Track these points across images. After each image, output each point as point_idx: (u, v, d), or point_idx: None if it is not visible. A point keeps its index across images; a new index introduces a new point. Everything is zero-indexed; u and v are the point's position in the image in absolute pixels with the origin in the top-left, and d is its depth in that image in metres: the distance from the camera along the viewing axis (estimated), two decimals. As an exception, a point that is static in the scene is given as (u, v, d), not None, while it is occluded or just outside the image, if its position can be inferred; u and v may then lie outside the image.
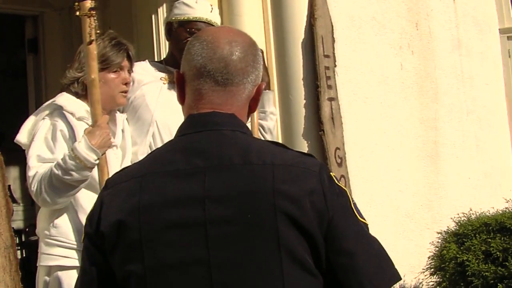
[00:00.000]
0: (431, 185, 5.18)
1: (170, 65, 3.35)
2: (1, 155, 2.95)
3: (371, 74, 4.90)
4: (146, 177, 1.74)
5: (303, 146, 3.79)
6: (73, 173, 2.82)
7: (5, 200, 2.90)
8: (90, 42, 2.95)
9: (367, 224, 1.81)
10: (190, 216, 1.68)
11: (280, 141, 3.89)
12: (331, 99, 3.82)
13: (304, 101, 3.78)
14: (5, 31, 5.72)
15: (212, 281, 1.66)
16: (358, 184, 4.64)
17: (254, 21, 4.16)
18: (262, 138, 3.55)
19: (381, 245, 1.81)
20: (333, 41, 3.93)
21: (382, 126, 4.92)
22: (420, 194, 5.11)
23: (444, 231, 4.49)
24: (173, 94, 3.36)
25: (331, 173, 1.77)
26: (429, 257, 4.52)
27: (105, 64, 3.10)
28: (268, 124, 3.56)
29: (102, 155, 2.85)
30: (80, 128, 2.98)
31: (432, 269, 4.46)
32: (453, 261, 4.27)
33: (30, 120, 3.13)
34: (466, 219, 4.40)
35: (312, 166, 1.75)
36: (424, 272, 4.48)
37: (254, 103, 1.88)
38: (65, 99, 3.10)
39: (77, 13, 2.98)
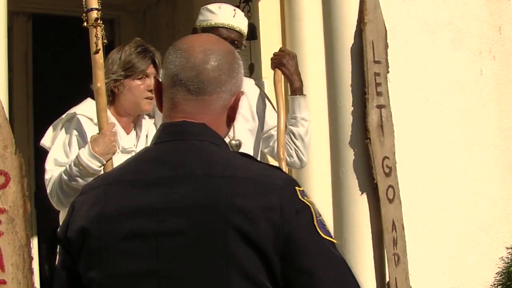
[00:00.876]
0: (510, 197, 4.93)
1: None
2: (21, 157, 3.07)
3: (446, 80, 4.73)
4: (112, 185, 1.77)
5: (349, 154, 3.71)
6: (78, 179, 2.93)
7: (23, 201, 3.04)
8: (97, 52, 3.06)
9: (334, 242, 1.74)
10: (146, 227, 1.69)
11: (327, 149, 3.82)
12: (380, 106, 3.71)
13: (352, 108, 3.70)
14: (86, 35, 5.97)
15: None
16: (422, 194, 4.51)
17: (314, 26, 4.13)
18: (292, 145, 3.50)
19: (346, 264, 1.74)
20: (386, 46, 3.82)
21: (456, 135, 4.74)
22: (498, 206, 4.89)
23: (514, 247, 4.30)
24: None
25: (297, 188, 1.71)
26: (497, 273, 4.34)
27: (130, 71, 3.19)
28: (298, 130, 3.50)
29: (107, 161, 2.92)
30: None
31: (500, 286, 4.28)
32: (519, 279, 4.09)
33: (54, 124, 3.31)
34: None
35: (275, 180, 1.71)
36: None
37: (232, 112, 1.85)
38: (87, 105, 3.23)
39: (84, 23, 3.12)
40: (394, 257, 3.65)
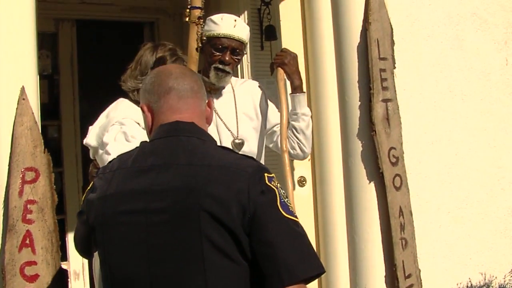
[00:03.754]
0: (539, 184, 5.01)
1: (204, 75, 3.65)
2: (49, 155, 3.43)
3: (470, 71, 4.85)
4: (115, 171, 2.21)
5: (358, 146, 3.93)
6: None
7: (51, 193, 3.41)
8: (197, 49, 3.29)
9: (296, 221, 2.06)
10: (137, 205, 2.11)
11: (338, 141, 4.05)
12: (386, 100, 3.90)
13: (359, 103, 3.92)
14: (127, 37, 6.34)
15: (149, 258, 2.07)
16: (447, 182, 4.65)
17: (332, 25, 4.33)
18: (295, 139, 3.76)
19: (306, 240, 2.06)
20: (392, 43, 4.00)
21: (482, 123, 4.86)
22: (527, 192, 4.97)
23: (537, 231, 4.40)
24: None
25: (265, 174, 2.08)
26: (519, 258, 4.45)
27: None
28: (300, 125, 3.77)
29: None
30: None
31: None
32: (537, 263, 4.19)
33: (98, 123, 3.49)
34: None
35: (246, 167, 2.08)
36: (514, 272, 4.42)
37: (208, 114, 2.32)
38: (127, 110, 3.38)
39: (187, 19, 3.32)
40: (402, 241, 3.85)
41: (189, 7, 3.31)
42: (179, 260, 2.03)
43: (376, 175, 3.90)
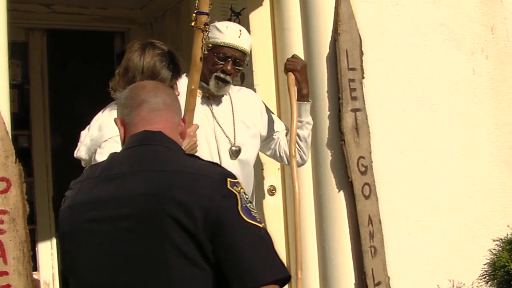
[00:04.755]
0: (506, 191, 5.09)
1: (203, 81, 3.61)
2: (20, 165, 3.42)
3: (438, 81, 4.92)
4: (85, 181, 2.23)
5: (327, 155, 3.98)
6: None
7: (22, 203, 3.41)
8: (201, 55, 3.13)
9: (259, 226, 2.05)
10: (103, 213, 2.12)
11: (309, 149, 4.08)
12: (355, 110, 3.96)
13: (328, 113, 3.97)
14: (97, 47, 6.35)
15: (113, 266, 2.07)
16: (416, 190, 4.71)
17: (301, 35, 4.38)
18: (296, 146, 3.76)
19: (269, 244, 2.05)
20: (361, 54, 4.07)
21: (450, 133, 4.93)
22: (494, 200, 5.04)
23: (501, 239, 4.45)
24: (204, 107, 3.69)
25: (229, 179, 2.08)
26: (484, 264, 4.50)
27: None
28: (303, 133, 3.79)
29: None
30: None
31: (486, 277, 4.44)
32: (502, 269, 4.24)
33: (90, 135, 3.29)
34: (525, 227, 4.34)
35: (210, 173, 2.09)
36: (481, 279, 4.47)
37: (182, 128, 2.33)
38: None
39: (193, 23, 3.13)
40: (371, 249, 3.91)
41: (195, 11, 3.13)
42: (143, 267, 2.04)
43: (346, 184, 3.95)
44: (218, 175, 2.09)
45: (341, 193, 3.98)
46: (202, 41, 3.10)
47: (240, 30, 3.70)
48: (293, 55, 3.97)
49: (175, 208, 2.01)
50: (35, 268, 5.55)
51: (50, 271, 5.80)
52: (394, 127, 4.66)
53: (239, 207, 2.03)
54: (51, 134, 5.74)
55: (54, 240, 5.76)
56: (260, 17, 4.44)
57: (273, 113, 3.94)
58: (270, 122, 3.85)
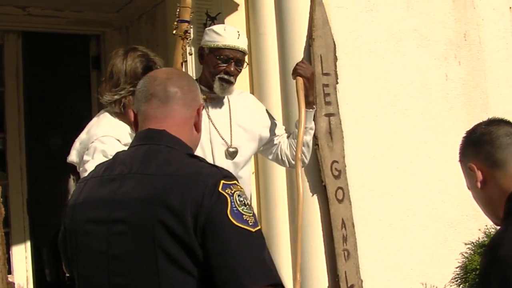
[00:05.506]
0: (478, 196, 5.15)
1: (204, 85, 3.65)
2: (-1, 175, 3.42)
3: (411, 86, 4.98)
4: (89, 180, 2.24)
5: (302, 159, 4.00)
6: None
7: (-2, 207, 3.42)
8: (181, 64, 3.23)
9: (250, 230, 1.98)
10: (100, 214, 2.12)
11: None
12: (329, 115, 4.01)
13: (302, 117, 3.99)
14: (73, 50, 6.34)
15: (109, 268, 2.07)
16: (389, 194, 4.76)
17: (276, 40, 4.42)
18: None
19: (259, 249, 1.98)
20: (335, 59, 4.12)
21: (422, 137, 4.99)
22: (466, 204, 5.09)
23: (473, 242, 4.52)
24: (203, 111, 3.70)
25: (222, 181, 2.01)
26: (456, 267, 4.57)
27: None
28: (306, 138, 3.78)
29: None
30: None
31: (458, 280, 4.50)
32: (473, 272, 4.31)
33: (79, 139, 3.35)
34: (494, 231, 4.40)
35: (206, 177, 2.02)
36: (453, 282, 4.53)
37: (196, 121, 2.25)
38: (107, 125, 3.28)
39: (174, 31, 3.26)
40: (344, 253, 3.95)
41: (177, 20, 3.27)
42: (135, 272, 2.04)
43: (319, 188, 3.99)
44: (213, 178, 2.02)
45: (315, 197, 4.02)
46: (182, 48, 3.20)
47: (238, 31, 3.75)
48: (302, 60, 3.98)
49: (168, 215, 1.98)
50: (9, 271, 5.53)
51: (24, 274, 5.77)
52: (368, 132, 4.71)
53: (228, 211, 1.97)
54: (25, 137, 5.72)
55: (28, 243, 5.74)
56: (236, 21, 4.46)
57: (273, 117, 3.96)
58: (271, 126, 3.87)
